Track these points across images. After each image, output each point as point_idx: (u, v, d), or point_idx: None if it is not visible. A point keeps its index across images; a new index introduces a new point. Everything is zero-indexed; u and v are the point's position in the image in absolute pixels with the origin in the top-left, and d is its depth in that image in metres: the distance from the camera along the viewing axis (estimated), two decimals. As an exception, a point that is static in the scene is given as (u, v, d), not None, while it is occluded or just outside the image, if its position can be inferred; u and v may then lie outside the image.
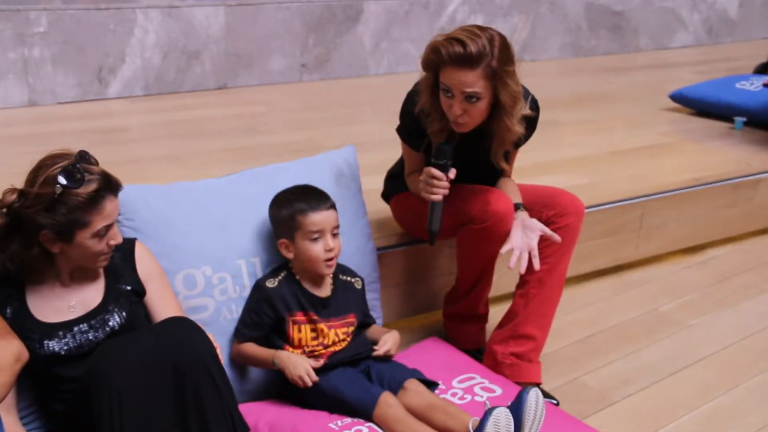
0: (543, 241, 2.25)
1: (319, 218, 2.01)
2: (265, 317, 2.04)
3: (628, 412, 2.26)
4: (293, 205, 2.04)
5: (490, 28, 2.04)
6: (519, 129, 2.10)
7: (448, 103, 2.07)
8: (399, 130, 2.33)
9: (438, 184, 2.11)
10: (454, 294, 2.49)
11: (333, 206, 2.06)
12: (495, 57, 1.98)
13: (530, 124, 2.23)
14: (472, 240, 2.25)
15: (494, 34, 2.01)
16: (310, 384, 1.93)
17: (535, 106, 2.22)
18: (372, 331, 2.20)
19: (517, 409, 1.78)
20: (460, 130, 2.12)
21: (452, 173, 2.12)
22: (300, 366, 1.94)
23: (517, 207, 2.24)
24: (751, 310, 2.90)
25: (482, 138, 2.19)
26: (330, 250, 2.02)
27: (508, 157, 2.30)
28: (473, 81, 1.99)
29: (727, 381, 2.42)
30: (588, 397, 2.32)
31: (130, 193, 1.98)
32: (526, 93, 2.17)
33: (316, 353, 2.03)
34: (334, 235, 2.04)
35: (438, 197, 2.12)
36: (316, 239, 2.01)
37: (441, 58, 2.00)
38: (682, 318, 2.82)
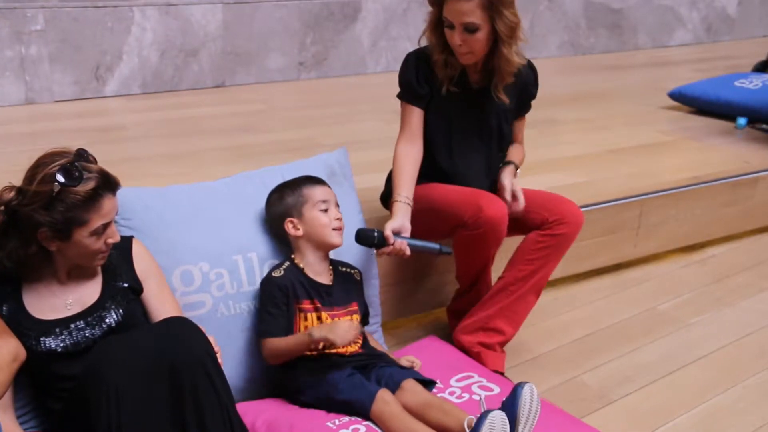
0: (534, 243, 2.28)
1: (324, 190, 2.12)
2: (282, 306, 2.02)
3: (627, 410, 2.26)
4: (298, 186, 2.13)
5: None
6: (517, 60, 2.21)
7: (449, 35, 2.19)
8: (399, 93, 2.37)
9: (396, 252, 2.13)
10: (457, 292, 2.52)
11: (331, 188, 2.16)
12: None
13: (531, 81, 2.36)
14: (467, 245, 2.27)
15: None
16: (355, 335, 1.95)
17: (533, 69, 2.37)
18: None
19: (511, 404, 1.78)
20: (464, 61, 2.23)
21: (388, 245, 2.13)
22: (339, 328, 1.94)
23: (508, 163, 2.39)
24: (750, 308, 2.90)
25: (485, 95, 2.27)
26: (338, 219, 2.09)
27: (515, 125, 2.45)
28: (470, 10, 2.11)
29: (725, 380, 2.41)
30: (586, 396, 2.32)
31: (127, 194, 1.97)
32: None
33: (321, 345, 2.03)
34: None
35: (407, 252, 2.14)
36: (324, 210, 2.09)
37: None
38: (681, 317, 2.82)
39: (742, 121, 4.13)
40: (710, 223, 3.40)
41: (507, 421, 1.74)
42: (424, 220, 2.31)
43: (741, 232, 3.53)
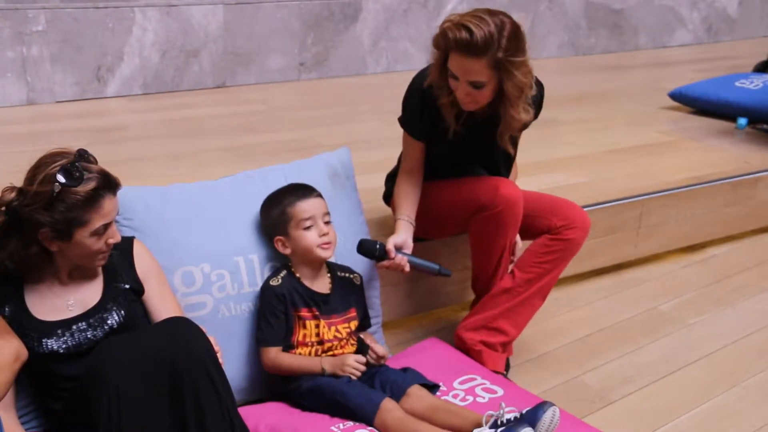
0: (543, 247, 2.27)
1: (307, 206, 2.05)
2: (280, 314, 2.03)
3: (628, 411, 2.26)
4: (281, 201, 2.08)
5: (503, 14, 2.01)
6: (524, 117, 2.09)
7: (454, 85, 2.08)
8: (400, 118, 2.32)
9: (395, 266, 2.16)
10: (477, 298, 2.45)
11: (320, 195, 2.10)
12: (502, 47, 1.95)
13: (535, 107, 2.20)
14: (485, 229, 2.24)
15: (506, 21, 1.98)
16: (363, 370, 1.98)
17: (539, 87, 2.21)
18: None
19: (531, 419, 1.78)
20: (467, 109, 2.13)
21: (389, 259, 2.16)
22: (346, 364, 1.97)
23: None
24: (751, 308, 2.90)
25: (492, 124, 2.18)
26: (324, 235, 2.05)
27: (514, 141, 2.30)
28: (478, 70, 1.98)
29: (726, 380, 2.41)
30: (587, 396, 2.32)
31: (128, 193, 1.98)
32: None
33: (321, 350, 2.04)
34: (327, 223, 2.08)
35: (407, 268, 2.15)
36: (309, 227, 2.04)
37: (448, 43, 2.00)
38: (682, 317, 2.82)
39: (742, 121, 4.12)
40: (711, 224, 3.40)
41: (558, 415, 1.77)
42: (439, 214, 2.32)
43: (741, 233, 3.53)
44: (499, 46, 1.95)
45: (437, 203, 2.33)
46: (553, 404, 1.81)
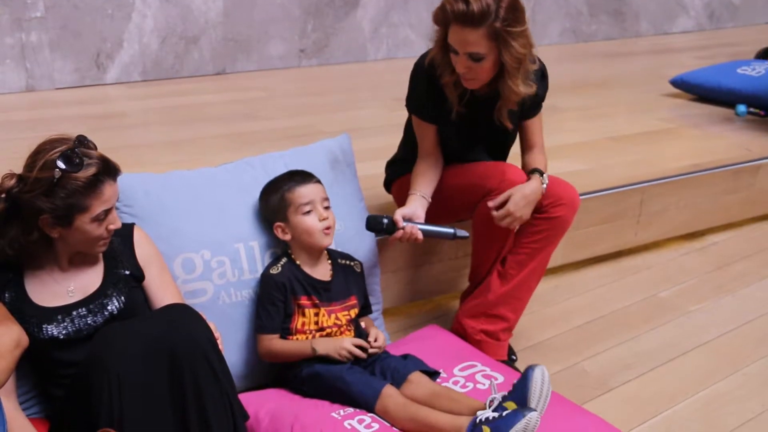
0: (531, 227, 2.26)
1: (306, 190, 2.06)
2: (279, 303, 2.03)
3: (627, 397, 2.26)
4: (280, 188, 2.08)
5: None
6: (524, 90, 2.09)
7: (454, 60, 2.08)
8: (408, 104, 2.31)
9: (408, 237, 2.11)
10: (471, 287, 2.45)
11: (318, 181, 2.11)
12: (499, 17, 1.96)
13: (540, 84, 2.20)
14: (490, 217, 2.22)
15: None
16: (360, 355, 1.97)
17: (541, 64, 2.21)
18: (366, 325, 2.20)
19: (522, 386, 1.78)
20: (469, 86, 2.13)
21: (400, 230, 2.12)
22: (342, 348, 1.96)
23: (535, 171, 2.22)
24: (751, 296, 2.90)
25: (494, 105, 2.18)
26: (324, 219, 2.05)
27: (515, 119, 2.28)
28: (475, 41, 1.99)
29: (726, 367, 2.42)
30: (587, 383, 2.32)
31: (128, 180, 1.99)
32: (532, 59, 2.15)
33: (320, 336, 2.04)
34: (326, 208, 2.08)
35: (420, 236, 2.11)
36: (308, 212, 2.04)
37: (446, 15, 2.01)
38: (682, 304, 2.82)
39: (742, 108, 4.12)
40: (711, 211, 3.40)
41: (539, 424, 1.71)
42: (444, 198, 2.30)
43: (742, 220, 3.53)
44: (496, 16, 1.96)
45: (443, 187, 2.32)
46: (537, 364, 1.78)
